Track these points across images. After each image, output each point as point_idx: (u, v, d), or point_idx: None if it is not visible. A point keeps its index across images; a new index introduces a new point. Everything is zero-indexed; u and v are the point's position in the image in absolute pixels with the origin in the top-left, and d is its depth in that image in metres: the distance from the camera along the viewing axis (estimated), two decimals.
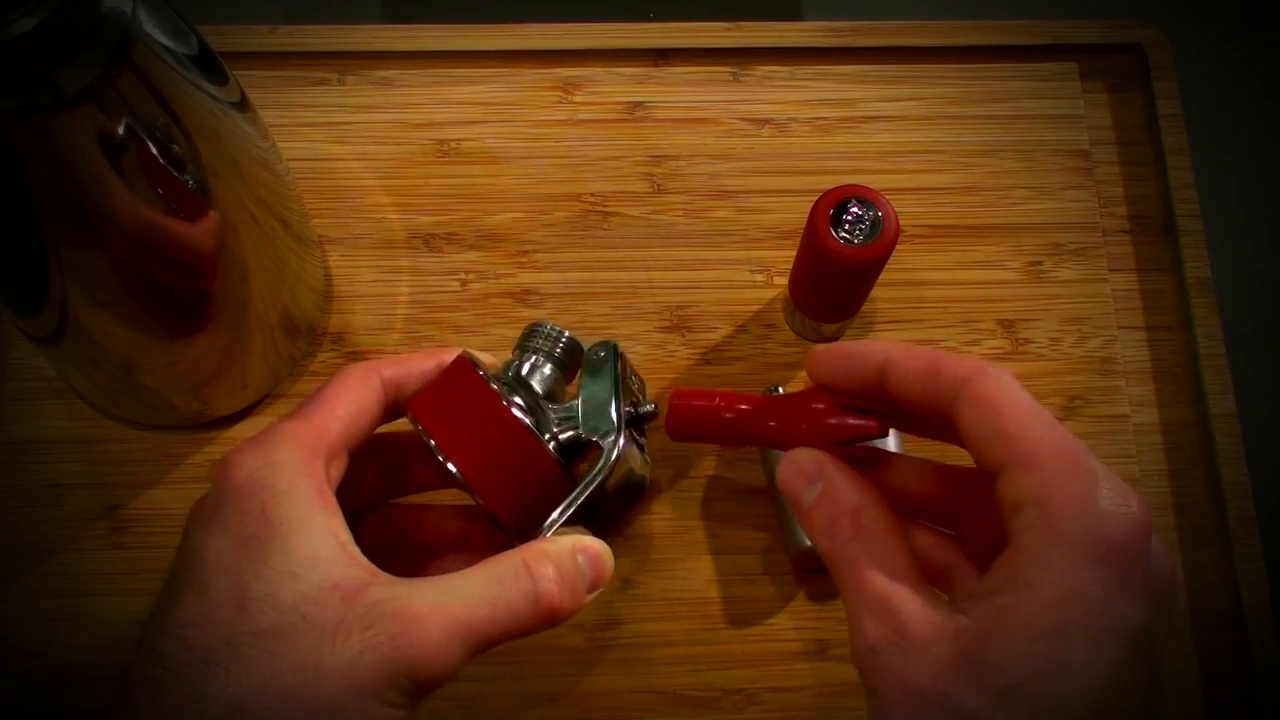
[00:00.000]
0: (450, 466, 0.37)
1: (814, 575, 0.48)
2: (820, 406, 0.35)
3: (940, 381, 0.32)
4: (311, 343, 0.51)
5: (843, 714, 0.47)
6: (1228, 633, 0.49)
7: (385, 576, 0.32)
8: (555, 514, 0.38)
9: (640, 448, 0.42)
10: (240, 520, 0.31)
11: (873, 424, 0.35)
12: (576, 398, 0.41)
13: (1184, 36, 0.65)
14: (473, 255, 0.53)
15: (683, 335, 0.52)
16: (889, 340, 0.35)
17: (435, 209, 0.54)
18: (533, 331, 0.43)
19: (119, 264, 0.39)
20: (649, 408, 0.43)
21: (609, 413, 0.40)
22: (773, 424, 0.37)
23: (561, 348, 0.42)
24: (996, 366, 0.32)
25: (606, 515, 0.47)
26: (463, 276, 0.53)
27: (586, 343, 0.43)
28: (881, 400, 0.34)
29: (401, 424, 0.40)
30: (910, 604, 0.30)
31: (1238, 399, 0.51)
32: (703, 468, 0.50)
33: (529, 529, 0.38)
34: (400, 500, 0.43)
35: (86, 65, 0.33)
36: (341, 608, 0.30)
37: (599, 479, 0.39)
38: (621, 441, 0.40)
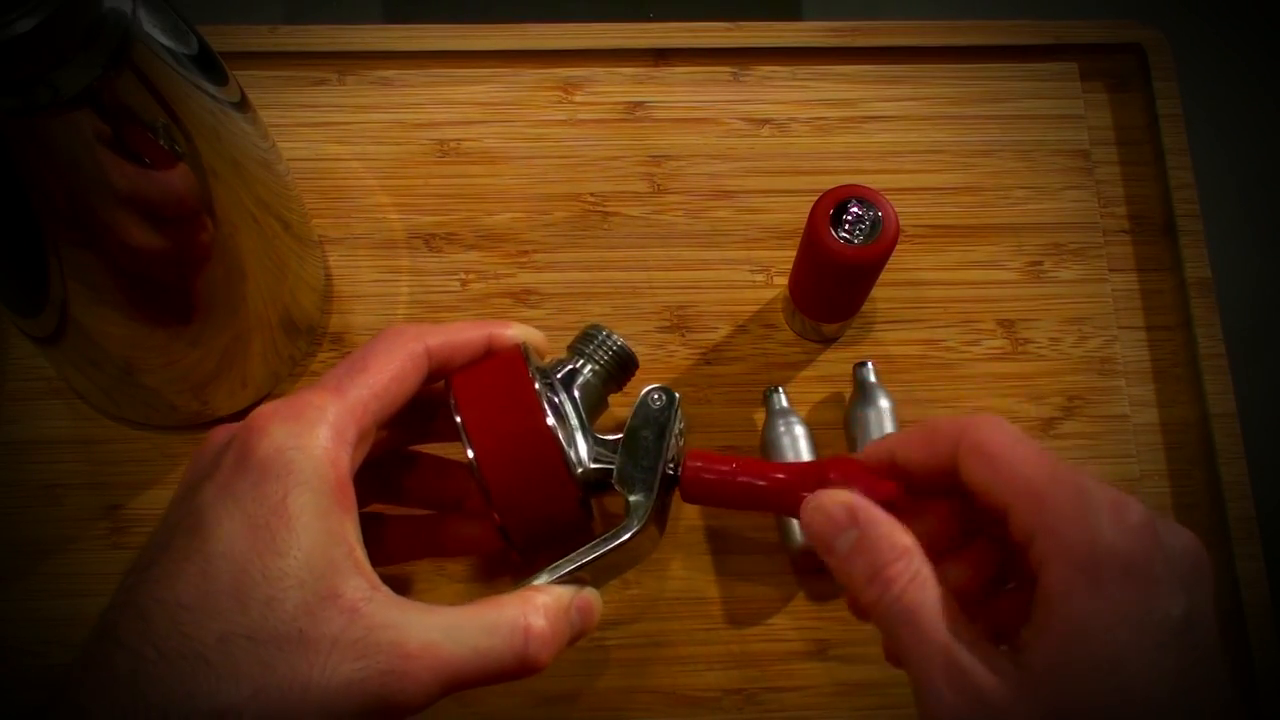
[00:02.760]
0: (470, 454, 0.36)
1: (814, 575, 0.48)
2: (835, 476, 0.36)
3: (938, 441, 0.34)
4: (311, 343, 0.51)
5: (843, 714, 0.47)
6: (1228, 633, 0.48)
7: (384, 592, 0.32)
8: (564, 562, 0.37)
9: (664, 508, 0.40)
10: (258, 503, 0.31)
11: (889, 485, 0.35)
12: (619, 434, 0.39)
13: (1184, 36, 0.65)
14: (473, 255, 0.53)
15: (683, 335, 0.52)
16: (894, 433, 0.37)
17: (435, 209, 0.54)
18: (588, 336, 0.42)
19: (119, 264, 0.39)
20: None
21: (649, 478, 0.38)
22: (793, 494, 0.37)
23: (614, 359, 0.41)
24: (984, 415, 0.33)
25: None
26: (463, 276, 0.53)
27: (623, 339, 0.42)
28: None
29: None
30: (981, 664, 0.30)
31: (1238, 399, 0.51)
32: None
33: (529, 543, 0.38)
34: (415, 449, 0.42)
35: (86, 65, 0.33)
36: (339, 623, 0.30)
37: (619, 542, 0.37)
38: (650, 507, 0.38)
